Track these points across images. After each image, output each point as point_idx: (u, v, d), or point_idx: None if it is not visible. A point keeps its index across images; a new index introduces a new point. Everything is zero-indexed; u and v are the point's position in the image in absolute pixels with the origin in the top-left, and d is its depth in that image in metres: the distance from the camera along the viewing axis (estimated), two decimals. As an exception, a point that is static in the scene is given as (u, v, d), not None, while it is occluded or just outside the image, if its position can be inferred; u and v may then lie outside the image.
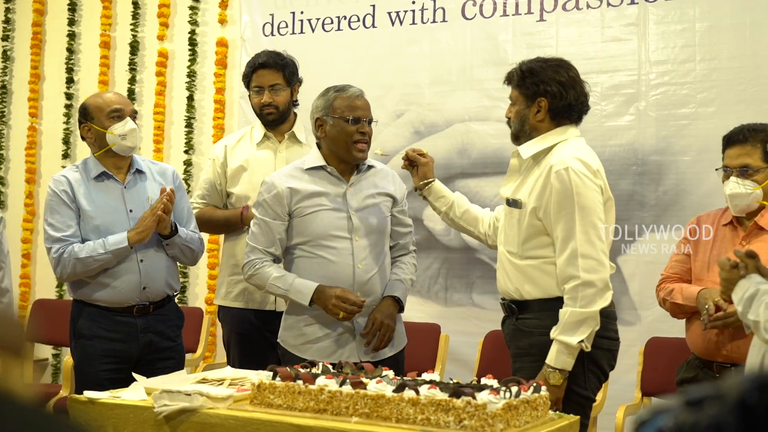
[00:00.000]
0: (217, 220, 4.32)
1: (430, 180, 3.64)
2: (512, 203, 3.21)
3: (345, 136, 3.53)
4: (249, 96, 4.38)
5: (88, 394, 2.85)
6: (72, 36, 6.60)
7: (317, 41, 5.73)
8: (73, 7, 6.58)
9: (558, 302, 3.11)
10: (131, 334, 3.80)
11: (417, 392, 2.50)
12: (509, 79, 3.34)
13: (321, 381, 2.62)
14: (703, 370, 3.39)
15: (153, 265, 3.83)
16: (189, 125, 6.18)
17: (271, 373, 2.71)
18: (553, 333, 3.05)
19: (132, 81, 6.38)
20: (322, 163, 3.58)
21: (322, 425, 2.49)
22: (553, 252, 3.13)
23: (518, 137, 3.30)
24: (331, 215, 3.55)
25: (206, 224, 4.35)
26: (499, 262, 3.30)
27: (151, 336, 3.83)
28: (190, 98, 6.18)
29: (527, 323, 3.18)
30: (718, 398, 0.76)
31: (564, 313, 3.04)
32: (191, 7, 6.19)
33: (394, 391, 2.54)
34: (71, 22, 6.59)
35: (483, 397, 2.44)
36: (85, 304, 3.83)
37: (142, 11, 6.39)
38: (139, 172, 3.91)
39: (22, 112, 6.73)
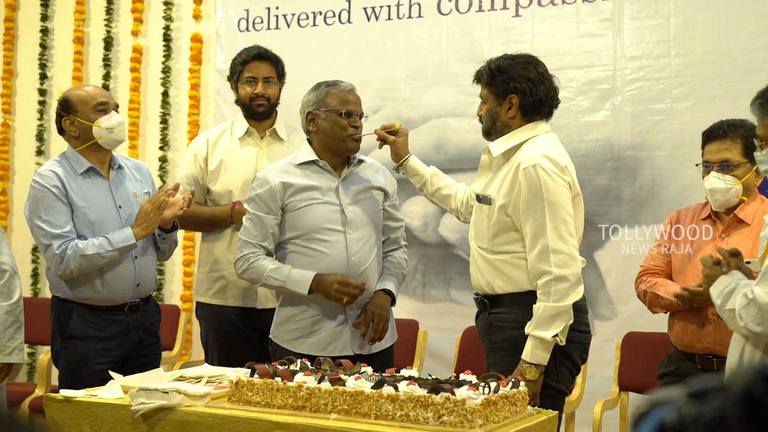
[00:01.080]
0: (203, 216, 4.24)
1: (405, 157, 3.64)
2: (482, 199, 3.21)
3: (338, 129, 3.55)
4: (236, 87, 4.35)
5: (64, 392, 2.83)
6: (45, 32, 6.54)
7: (293, 37, 5.71)
8: (45, 3, 6.52)
9: (529, 296, 3.11)
10: (123, 332, 3.78)
11: (396, 388, 2.50)
12: (478, 78, 3.35)
13: (299, 378, 2.61)
14: (685, 362, 3.41)
15: (145, 261, 3.85)
16: (164, 121, 6.14)
17: (248, 371, 2.70)
18: (528, 329, 3.06)
19: (106, 77, 6.33)
20: (314, 157, 3.59)
21: (300, 422, 2.48)
22: (523, 247, 3.13)
23: (490, 133, 3.31)
24: (325, 209, 3.55)
25: (190, 221, 4.26)
26: (471, 257, 3.30)
27: (140, 333, 3.82)
28: (165, 94, 6.14)
29: (499, 317, 3.19)
30: (723, 390, 0.76)
31: (538, 308, 3.05)
32: (165, 3, 6.15)
33: (372, 387, 2.53)
34: (44, 18, 6.53)
35: (462, 392, 2.44)
36: (74, 303, 3.76)
37: (115, 6, 6.34)
38: (120, 168, 3.89)
39: (-5, 107, 6.66)
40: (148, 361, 3.69)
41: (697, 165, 3.55)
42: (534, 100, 3.21)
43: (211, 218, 4.22)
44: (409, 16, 5.46)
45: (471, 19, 5.30)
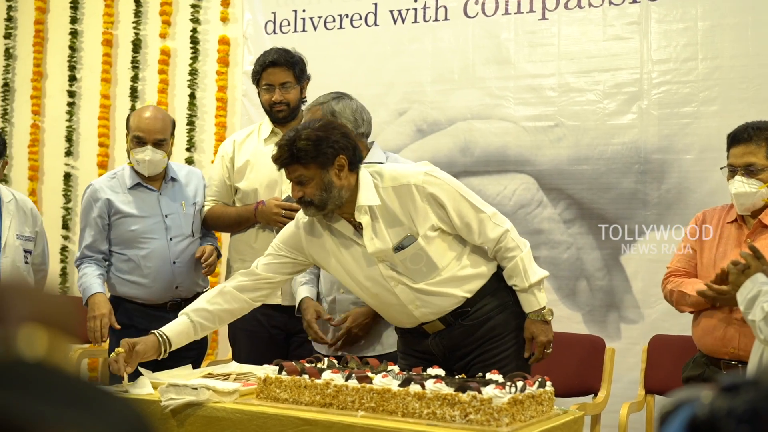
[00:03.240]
0: (229, 217, 4.32)
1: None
2: (405, 243, 3.10)
3: None
4: (258, 93, 4.38)
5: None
6: (74, 34, 6.60)
7: (319, 39, 5.74)
8: (75, 5, 6.59)
9: (492, 280, 3.22)
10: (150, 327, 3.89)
11: (423, 386, 2.51)
12: (281, 162, 3.06)
13: (327, 375, 2.63)
14: (710, 367, 3.40)
15: (184, 266, 4.11)
16: (191, 123, 6.19)
17: (276, 368, 2.72)
18: (524, 282, 3.15)
19: (135, 79, 6.39)
20: None
21: (327, 419, 2.50)
22: (461, 244, 3.19)
23: (327, 206, 3.09)
24: None
25: (218, 222, 4.36)
26: (410, 300, 3.15)
27: None
28: (192, 96, 6.19)
29: (482, 312, 3.18)
30: (755, 384, 0.76)
31: (518, 262, 3.15)
32: (193, 5, 6.20)
33: (399, 385, 2.54)
34: (73, 20, 6.60)
35: (488, 391, 2.45)
36: (121, 300, 4.09)
37: (144, 9, 6.40)
38: (173, 179, 4.20)
39: (25, 110, 6.74)
40: (189, 354, 3.79)
41: (722, 168, 3.53)
42: (355, 151, 3.13)
43: (237, 219, 4.27)
44: (436, 19, 5.47)
45: (497, 22, 5.31)
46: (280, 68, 4.23)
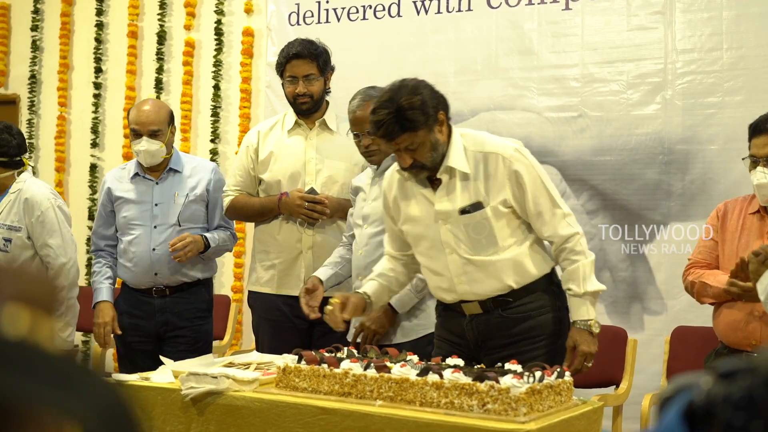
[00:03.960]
0: (252, 208, 4.33)
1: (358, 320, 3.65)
2: (470, 209, 3.14)
3: (357, 146, 3.82)
4: (282, 84, 4.39)
5: (117, 376, 2.90)
6: (100, 26, 6.66)
7: (342, 31, 5.75)
8: (100, -3, 6.65)
9: (540, 282, 3.21)
10: (149, 312, 4.24)
11: (441, 376, 2.52)
12: (392, 134, 3.02)
13: (346, 365, 2.65)
14: (730, 357, 3.39)
15: (164, 254, 4.21)
16: (215, 114, 6.22)
17: (296, 357, 2.74)
18: (581, 288, 3.14)
19: (159, 70, 6.43)
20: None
21: (346, 408, 2.51)
22: (525, 232, 3.19)
23: (435, 167, 3.14)
24: (358, 202, 3.82)
25: (241, 212, 4.39)
26: (456, 272, 3.18)
27: (168, 316, 4.23)
28: (216, 87, 6.23)
29: (523, 309, 3.19)
30: (751, 371, 0.76)
31: (580, 266, 3.15)
32: (217, -4, 6.24)
33: (418, 375, 2.56)
34: (99, 12, 6.65)
35: (506, 381, 2.45)
36: (123, 284, 4.36)
37: (168, 1, 6.44)
38: (175, 171, 4.29)
39: (52, 102, 6.81)
40: (179, 342, 4.13)
41: (744, 159, 3.50)
42: (447, 103, 3.16)
43: (261, 209, 4.28)
44: (459, 10, 5.47)
45: (521, 12, 5.30)
46: (304, 60, 4.21)
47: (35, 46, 6.88)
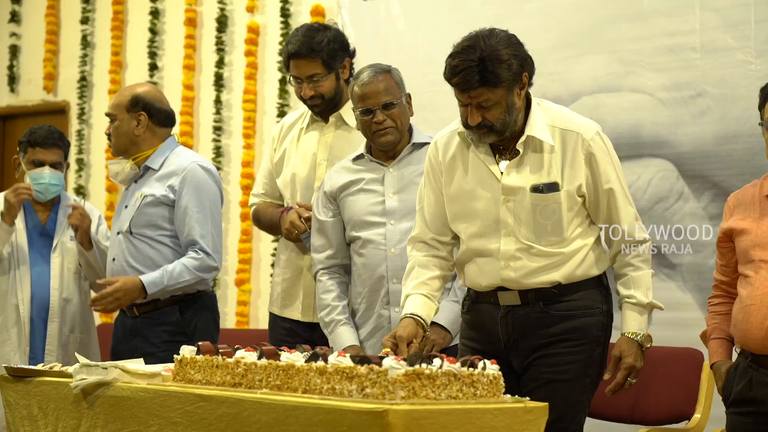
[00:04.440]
0: (266, 222, 5.11)
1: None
2: (545, 188, 3.78)
3: (364, 128, 4.48)
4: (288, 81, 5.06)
5: (13, 372, 3.80)
6: (155, 14, 7.75)
7: (422, 2, 6.45)
8: (156, -20, 7.75)
9: (593, 281, 3.86)
10: (124, 335, 5.02)
11: (325, 361, 3.20)
12: (470, 84, 3.64)
13: (239, 354, 3.39)
14: (759, 370, 3.81)
15: (122, 264, 5.00)
16: (282, 114, 7.11)
17: (195, 348, 3.51)
18: (644, 298, 3.81)
19: (219, 64, 7.41)
20: (362, 151, 4.55)
21: (221, 395, 3.23)
22: (590, 227, 3.84)
23: (504, 132, 3.76)
24: (368, 199, 4.49)
25: (261, 225, 5.21)
26: (511, 256, 3.80)
27: (137, 340, 4.95)
28: (283, 81, 7.11)
29: (568, 305, 3.82)
30: None
31: (645, 276, 3.84)
32: (284, -31, 7.16)
33: (305, 361, 3.25)
34: (154, -3, 7.75)
35: (386, 363, 3.10)
36: None
37: (230, -22, 7.44)
38: (149, 168, 5.05)
39: (103, 108, 7.84)
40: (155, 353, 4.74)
41: (760, 124, 3.93)
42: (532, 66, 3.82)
43: (270, 223, 5.04)
44: (556, -31, 6.06)
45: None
46: (304, 60, 4.80)
47: (85, 42, 8.05)
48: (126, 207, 5.04)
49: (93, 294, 5.16)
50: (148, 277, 4.84)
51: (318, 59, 4.78)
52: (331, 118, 4.93)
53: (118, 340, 5.07)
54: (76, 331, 5.42)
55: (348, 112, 4.89)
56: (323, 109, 4.88)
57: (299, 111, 5.17)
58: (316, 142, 4.94)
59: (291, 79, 4.92)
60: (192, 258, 4.90)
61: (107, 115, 5.06)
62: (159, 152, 5.06)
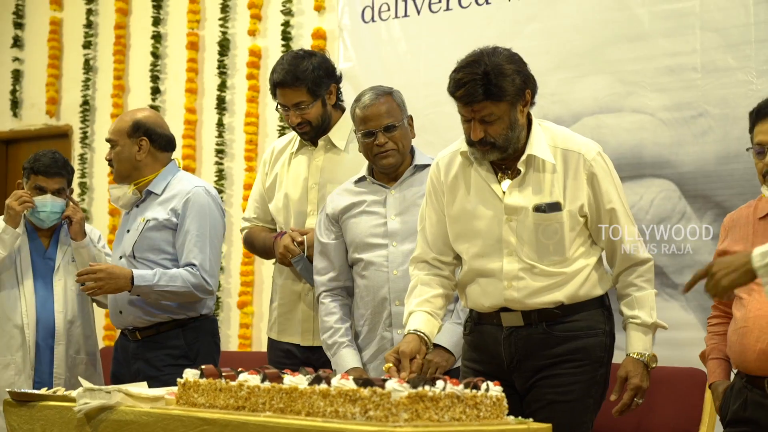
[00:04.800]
0: (259, 247, 5.14)
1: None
2: (547, 208, 3.81)
3: (365, 150, 4.50)
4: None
5: (17, 396, 3.78)
6: (157, 38, 7.78)
7: (423, 24, 6.46)
8: (158, 3, 7.76)
9: (595, 302, 3.88)
10: (125, 358, 5.02)
11: (328, 383, 3.19)
12: (474, 97, 3.68)
13: (243, 377, 3.37)
14: (753, 391, 3.80)
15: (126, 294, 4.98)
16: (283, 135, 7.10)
17: (198, 372, 3.49)
18: (649, 318, 3.84)
19: (222, 87, 7.42)
20: (364, 173, 4.58)
21: (224, 418, 3.23)
22: (592, 247, 3.88)
23: (507, 149, 3.79)
24: (370, 221, 4.51)
25: (253, 250, 5.27)
26: (511, 274, 3.83)
27: (140, 364, 4.95)
28: (284, 104, 7.12)
29: (572, 326, 3.84)
30: None
31: (649, 296, 3.87)
32: (285, -7, 7.18)
33: (309, 384, 3.24)
34: (156, 22, 7.79)
35: (389, 385, 3.09)
36: None
37: (232, 3, 7.47)
38: (151, 193, 5.07)
39: (105, 132, 7.89)
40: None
41: (748, 150, 3.94)
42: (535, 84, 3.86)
43: (264, 247, 5.07)
44: (557, -10, 6.07)
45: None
46: (289, 89, 4.85)
47: (88, 66, 8.08)
48: (128, 231, 5.06)
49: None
50: (139, 271, 4.88)
51: (303, 87, 4.82)
52: (321, 142, 4.96)
53: (119, 364, 5.09)
54: (82, 352, 5.46)
55: (336, 135, 4.97)
56: (311, 135, 4.92)
57: (289, 135, 5.23)
58: (306, 166, 4.98)
59: (278, 106, 4.97)
60: (189, 272, 4.91)
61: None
62: (161, 177, 5.09)
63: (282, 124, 7.11)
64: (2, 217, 5.34)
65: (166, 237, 4.99)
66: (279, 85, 4.85)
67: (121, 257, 5.04)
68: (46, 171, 5.32)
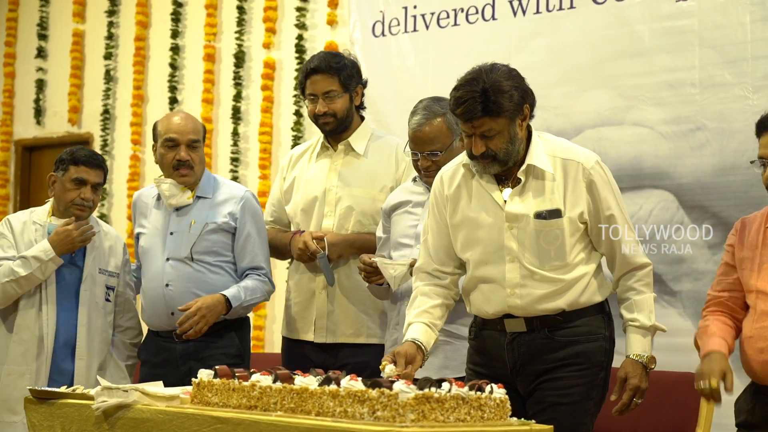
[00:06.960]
0: (275, 246, 5.10)
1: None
2: (548, 215, 3.82)
3: (413, 162, 4.53)
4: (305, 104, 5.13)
5: (37, 394, 3.79)
6: (175, 50, 7.81)
7: (432, 39, 6.47)
8: (176, 17, 7.79)
9: (596, 307, 3.90)
10: (171, 360, 4.85)
11: (338, 384, 3.20)
12: (473, 114, 3.69)
13: (255, 377, 3.38)
14: (758, 397, 3.80)
15: (179, 292, 4.85)
16: (296, 144, 7.10)
17: (212, 372, 3.50)
18: (648, 321, 3.85)
19: (237, 97, 7.44)
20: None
21: (236, 417, 3.24)
22: (592, 253, 3.90)
23: (508, 162, 3.82)
24: (407, 221, 4.54)
25: (270, 248, 5.21)
26: (514, 281, 3.84)
27: (192, 363, 4.73)
28: (298, 114, 7.16)
29: (573, 332, 3.86)
30: None
31: (648, 299, 3.88)
32: (298, 8, 7.21)
33: (319, 385, 3.25)
34: (174, 34, 7.82)
35: (397, 387, 3.09)
36: (148, 329, 5.06)
37: (247, 17, 7.48)
38: (200, 198, 4.95)
39: (125, 140, 7.96)
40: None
41: (752, 162, 3.94)
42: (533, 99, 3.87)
43: (280, 246, 5.06)
44: (560, 8, 6.05)
45: (629, 7, 5.83)
46: (323, 75, 4.88)
47: (108, 77, 8.11)
48: (171, 234, 4.91)
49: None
50: (228, 292, 4.79)
51: (336, 76, 4.86)
52: (340, 146, 4.98)
53: (156, 366, 4.87)
54: (107, 366, 5.09)
55: (357, 139, 4.98)
56: (333, 128, 4.93)
57: (308, 143, 5.27)
58: (326, 169, 4.99)
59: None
60: (259, 280, 4.91)
61: (196, 142, 4.91)
62: (204, 181, 5.00)
63: (296, 133, 7.14)
64: (33, 212, 5.11)
65: (224, 240, 4.91)
66: (313, 71, 4.88)
67: (168, 259, 4.90)
68: (89, 161, 4.97)
